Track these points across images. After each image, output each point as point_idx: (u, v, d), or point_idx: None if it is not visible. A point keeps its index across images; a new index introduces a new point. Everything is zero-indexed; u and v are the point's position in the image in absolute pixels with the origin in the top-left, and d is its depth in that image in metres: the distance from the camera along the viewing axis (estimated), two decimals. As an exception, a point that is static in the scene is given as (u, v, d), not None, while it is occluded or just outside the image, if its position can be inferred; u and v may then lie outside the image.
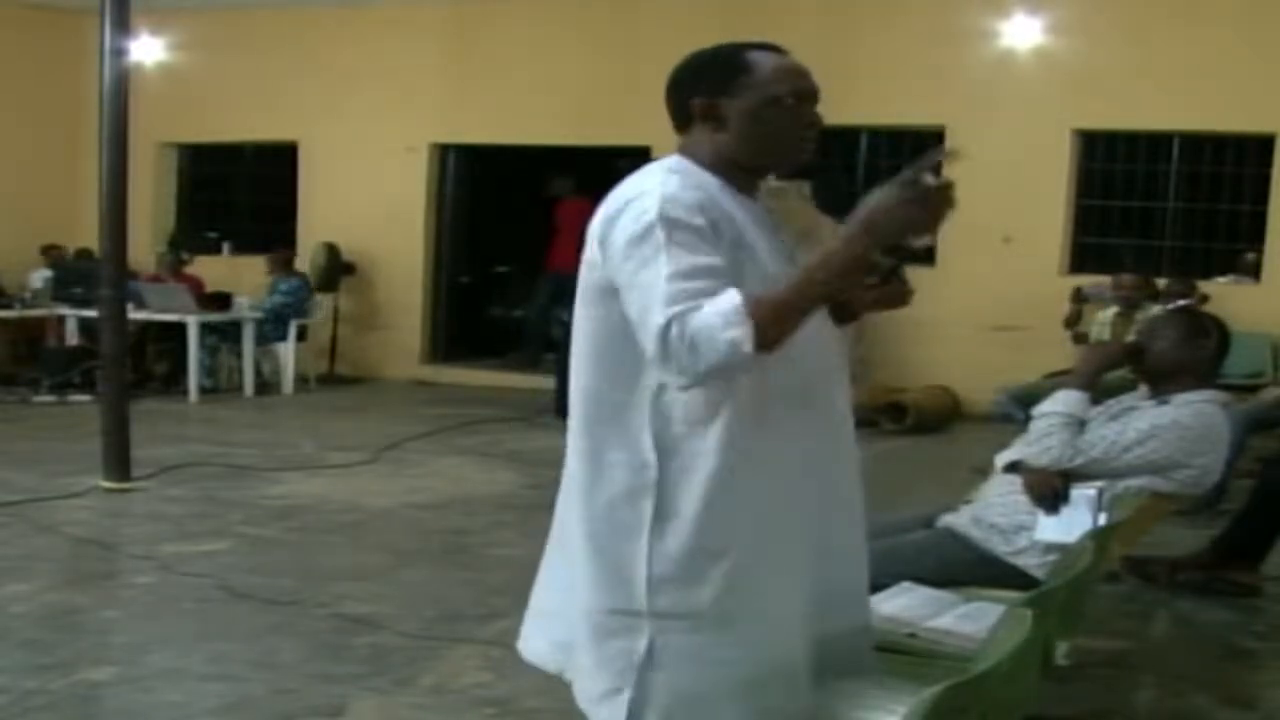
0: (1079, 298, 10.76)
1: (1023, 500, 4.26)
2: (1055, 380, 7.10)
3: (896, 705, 2.67)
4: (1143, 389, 4.73)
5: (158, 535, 6.86)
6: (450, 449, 9.85)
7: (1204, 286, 10.84)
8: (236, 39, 14.69)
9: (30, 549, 6.48)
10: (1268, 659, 5.38)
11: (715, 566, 2.49)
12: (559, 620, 2.74)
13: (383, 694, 4.58)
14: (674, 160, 2.62)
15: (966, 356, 11.93)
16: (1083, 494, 4.20)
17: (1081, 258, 12.21)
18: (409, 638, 5.17)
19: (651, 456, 2.49)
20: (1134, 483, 4.31)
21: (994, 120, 12.06)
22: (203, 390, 12.15)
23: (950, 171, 2.55)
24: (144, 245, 13.96)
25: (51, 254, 14.15)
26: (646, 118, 12.19)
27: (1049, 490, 4.23)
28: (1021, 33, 11.99)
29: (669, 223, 2.41)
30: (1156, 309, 8.66)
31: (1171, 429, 4.33)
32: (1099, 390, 4.65)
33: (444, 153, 14.75)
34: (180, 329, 12.01)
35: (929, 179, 2.43)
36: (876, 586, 3.58)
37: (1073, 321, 10.53)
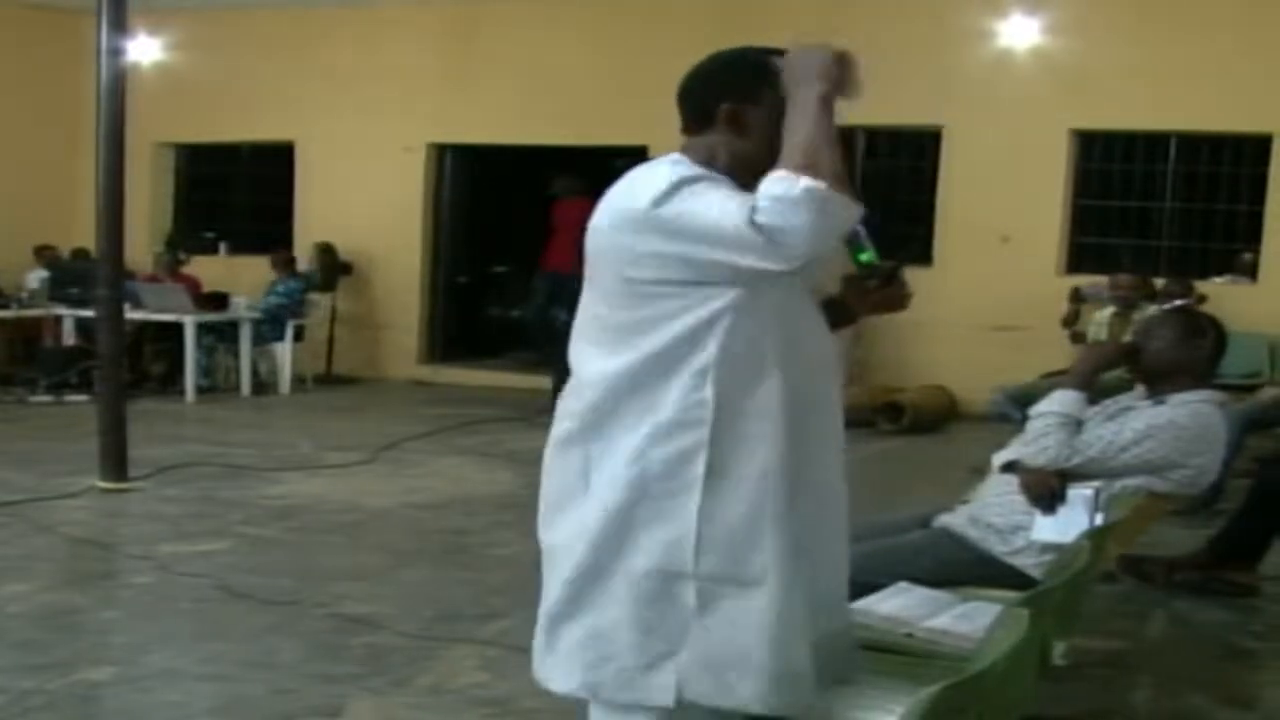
0: (1077, 297, 10.77)
1: (1019, 500, 4.26)
2: (1052, 380, 7.11)
3: (894, 705, 2.68)
4: (1139, 389, 4.73)
5: (155, 535, 6.86)
6: (449, 449, 9.85)
7: (1201, 286, 10.86)
8: (233, 39, 14.69)
9: (28, 549, 6.48)
10: (1265, 659, 5.38)
11: (761, 533, 2.49)
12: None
13: (381, 694, 4.58)
14: (675, 156, 2.61)
15: (963, 356, 11.94)
16: (1079, 494, 4.20)
17: (1079, 258, 12.23)
18: (407, 638, 5.18)
19: (706, 413, 2.47)
20: (1131, 482, 4.31)
21: (991, 120, 12.08)
22: (200, 390, 12.15)
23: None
24: (141, 245, 13.95)
25: (45, 254, 14.13)
26: (643, 118, 12.29)
27: (1046, 490, 4.23)
28: (1019, 33, 12.01)
29: (689, 179, 2.44)
30: (1153, 309, 8.67)
31: (1168, 429, 4.34)
32: (1096, 390, 4.66)
33: (441, 153, 14.75)
34: (177, 329, 12.01)
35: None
36: (873, 586, 3.60)
37: (1070, 321, 10.54)
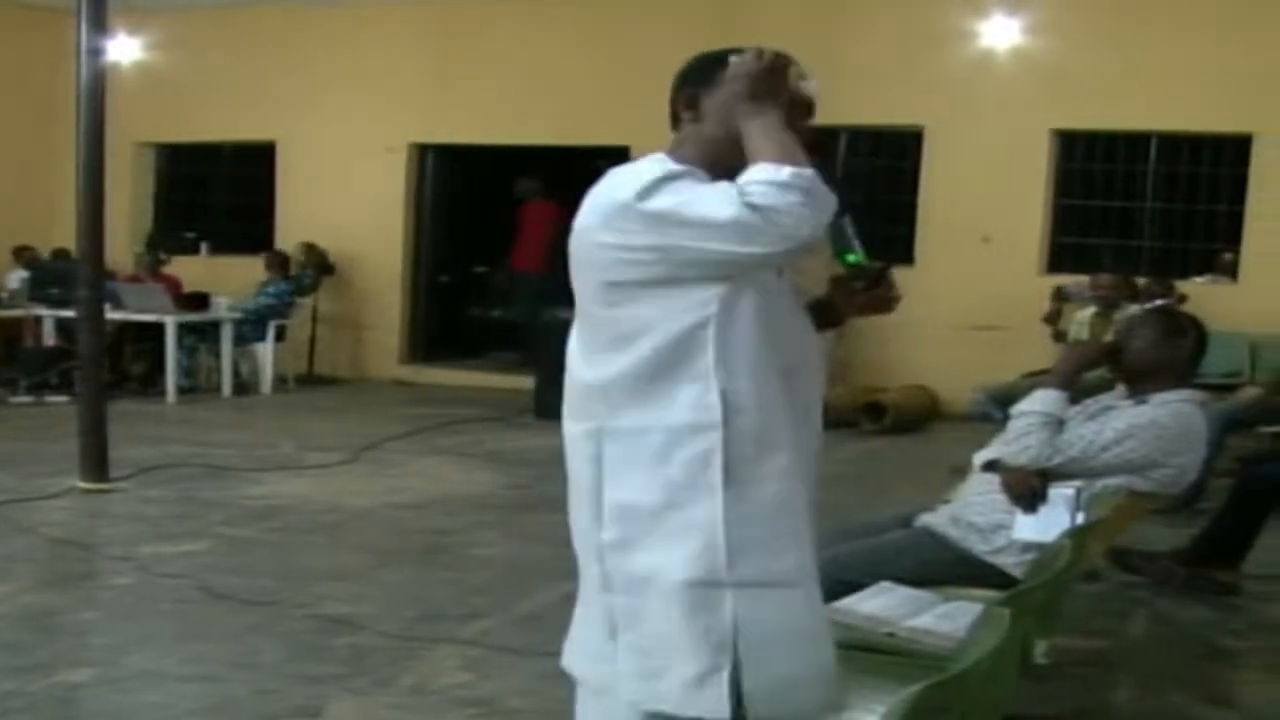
0: (1060, 296, 10.81)
1: (1001, 499, 4.27)
2: (1034, 380, 7.12)
3: (876, 704, 2.68)
4: (1121, 388, 4.74)
5: (136, 536, 6.84)
6: (430, 449, 9.84)
7: (1182, 286, 10.90)
8: (214, 38, 14.66)
9: (8, 550, 6.45)
10: (1247, 657, 5.40)
11: (788, 532, 2.49)
12: (596, 626, 2.67)
13: (363, 694, 4.57)
14: (657, 155, 2.61)
15: (945, 356, 11.97)
16: (1061, 493, 4.21)
17: (1060, 258, 12.26)
18: (389, 638, 5.17)
19: (715, 415, 2.44)
20: (1112, 482, 4.32)
21: (973, 120, 12.11)
22: (181, 391, 12.12)
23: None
24: (122, 245, 13.91)
25: (25, 255, 14.09)
26: (626, 118, 12.28)
27: (1027, 489, 4.24)
28: (1000, 33, 12.03)
29: (673, 174, 2.43)
30: (1134, 309, 8.69)
31: (1149, 428, 4.35)
32: (1077, 389, 4.67)
33: (423, 153, 14.75)
34: (158, 329, 11.98)
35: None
36: (856, 586, 3.60)
37: (1053, 319, 10.57)
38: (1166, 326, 4.71)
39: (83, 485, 7.81)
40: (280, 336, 13.24)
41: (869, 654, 3.15)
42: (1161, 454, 4.35)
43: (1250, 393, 8.77)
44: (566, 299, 2.64)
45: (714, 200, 2.34)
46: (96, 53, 7.96)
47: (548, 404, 10.48)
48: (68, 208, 8.63)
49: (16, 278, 13.48)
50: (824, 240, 2.62)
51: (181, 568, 6.14)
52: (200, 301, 12.70)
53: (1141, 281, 10.62)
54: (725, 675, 2.43)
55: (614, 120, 12.42)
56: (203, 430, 10.38)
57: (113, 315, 10.55)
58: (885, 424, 11.13)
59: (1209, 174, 11.99)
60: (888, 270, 2.76)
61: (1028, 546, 4.09)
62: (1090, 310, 9.84)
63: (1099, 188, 12.34)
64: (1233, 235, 11.76)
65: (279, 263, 13.42)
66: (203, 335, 12.76)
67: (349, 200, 14.35)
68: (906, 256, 12.29)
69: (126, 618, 5.46)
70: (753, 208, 2.30)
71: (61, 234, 12.72)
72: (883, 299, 2.79)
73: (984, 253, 12.15)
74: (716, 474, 2.45)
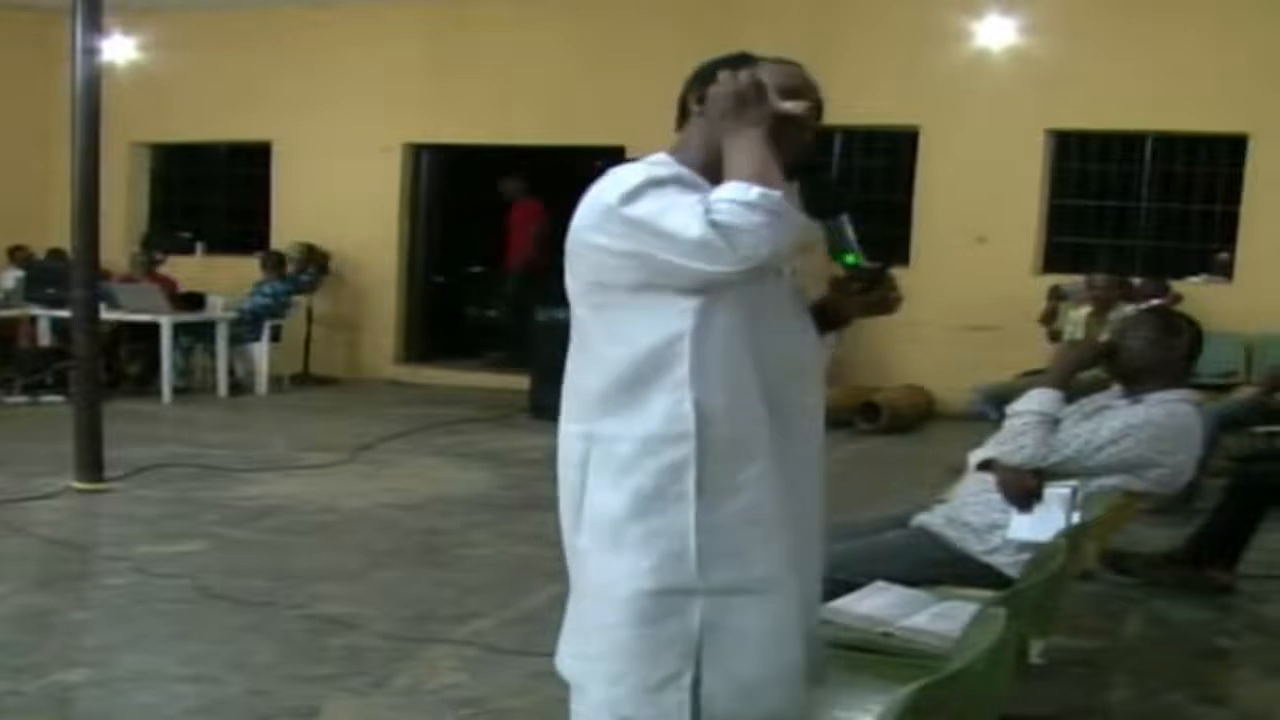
0: (1057, 295, 10.81)
1: (996, 499, 4.27)
2: (1029, 379, 7.14)
3: (871, 704, 2.68)
4: (1116, 388, 4.74)
5: (131, 536, 6.83)
6: (425, 449, 9.83)
7: (1177, 286, 10.90)
8: (209, 38, 14.65)
9: (2, 550, 6.45)
10: (1242, 657, 5.41)
11: (763, 537, 2.50)
12: (577, 627, 2.71)
13: (358, 695, 4.57)
14: (658, 156, 2.62)
15: (941, 356, 11.98)
16: (1056, 493, 4.21)
17: (1055, 257, 12.26)
18: (384, 638, 5.16)
19: (689, 426, 2.47)
20: (1107, 481, 4.33)
21: (968, 120, 12.12)
22: (176, 391, 12.11)
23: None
24: (117, 245, 13.91)
25: (19, 255, 14.08)
26: (621, 118, 12.26)
27: (1022, 489, 4.24)
28: (995, 33, 12.04)
29: (657, 180, 2.44)
30: (1129, 309, 8.70)
31: (1145, 428, 4.35)
32: (1073, 389, 4.67)
33: (419, 153, 14.75)
34: (154, 329, 11.96)
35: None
36: (851, 586, 3.60)
37: (1049, 319, 10.57)
38: (1162, 326, 4.72)
39: (78, 485, 7.80)
40: (276, 337, 13.22)
41: (864, 653, 3.15)
42: (1157, 454, 4.35)
43: (1245, 392, 8.78)
44: (555, 298, 2.64)
45: (684, 215, 2.35)
46: (91, 53, 7.95)
47: (543, 404, 10.49)
48: (63, 207, 8.61)
49: (11, 277, 13.46)
50: (820, 241, 2.63)
51: (177, 568, 6.14)
52: (196, 302, 12.70)
53: (1137, 281, 10.62)
54: (686, 681, 2.48)
55: (610, 120, 12.43)
56: (198, 430, 10.37)
57: (108, 315, 10.55)
58: (881, 424, 11.13)
59: (1205, 174, 12.00)
60: (886, 270, 2.75)
61: (1023, 546, 4.08)
62: (1085, 310, 9.85)
63: (1094, 187, 12.36)
64: (1228, 235, 11.77)
65: (274, 262, 13.41)
66: (198, 335, 12.75)
67: (345, 200, 14.35)
68: (902, 257, 12.29)
69: (121, 618, 5.45)
70: (716, 226, 2.31)
71: (57, 234, 12.70)
72: (884, 299, 2.78)
73: (979, 253, 12.16)
74: (689, 484, 2.48)
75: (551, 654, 2.74)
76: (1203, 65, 11.28)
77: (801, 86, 2.68)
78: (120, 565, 6.19)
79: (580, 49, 13.45)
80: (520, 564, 6.25)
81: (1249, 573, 6.31)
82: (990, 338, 11.75)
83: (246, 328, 12.78)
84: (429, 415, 11.49)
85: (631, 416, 2.51)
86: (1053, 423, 4.39)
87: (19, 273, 13.46)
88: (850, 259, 2.71)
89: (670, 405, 2.48)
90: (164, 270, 13.57)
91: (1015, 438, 4.37)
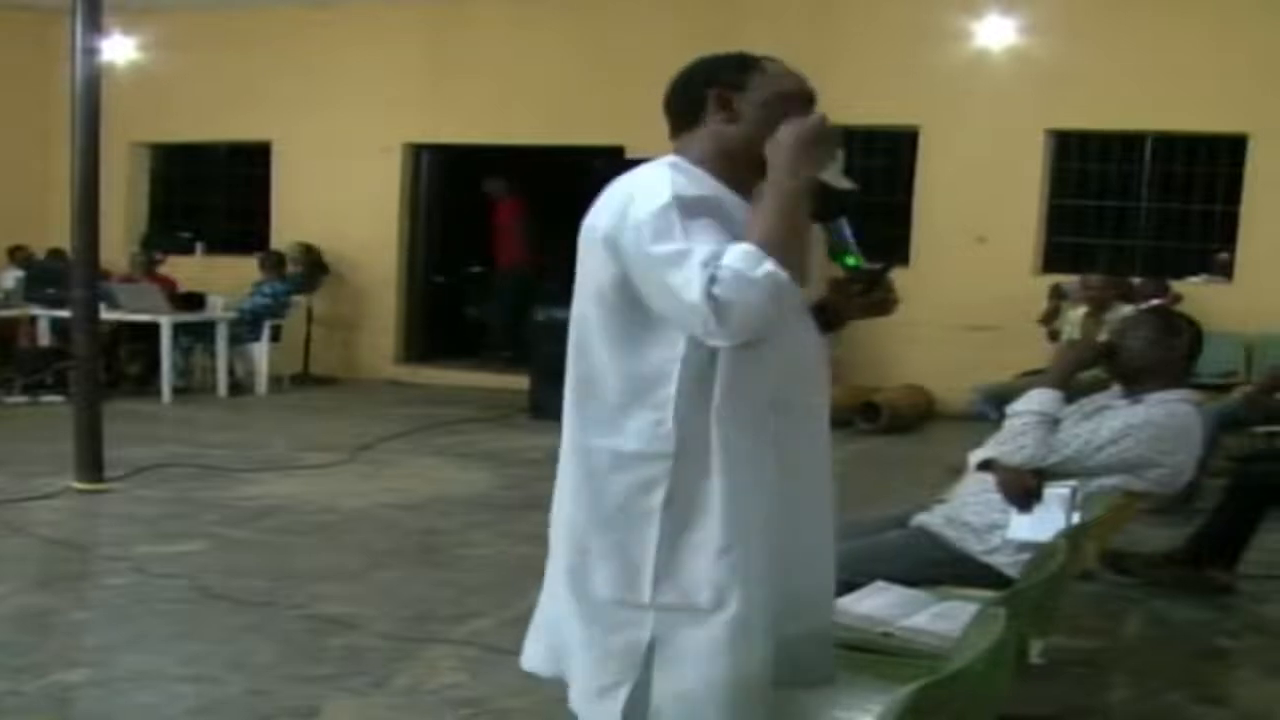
0: (1058, 294, 10.81)
1: (996, 499, 4.27)
2: (1029, 379, 7.14)
3: (871, 705, 2.68)
4: (1116, 388, 4.74)
5: (131, 536, 6.83)
6: (425, 449, 9.83)
7: (1177, 286, 10.91)
8: (209, 38, 14.65)
9: (2, 550, 6.45)
10: (1242, 657, 5.40)
11: (724, 561, 2.49)
12: (552, 623, 2.73)
13: (358, 695, 4.57)
14: (672, 159, 2.61)
15: (941, 356, 11.98)
16: (1056, 493, 4.21)
17: (1055, 257, 12.26)
18: (384, 638, 5.16)
19: (668, 446, 2.48)
20: (1107, 481, 4.33)
21: (968, 120, 12.12)
22: (176, 391, 12.10)
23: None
24: (117, 245, 13.91)
25: (19, 255, 14.08)
26: (621, 117, 12.24)
27: (1022, 489, 4.24)
28: (995, 33, 12.04)
29: (683, 203, 2.43)
30: (1127, 309, 8.69)
31: (1145, 428, 4.35)
32: (1073, 389, 4.67)
33: (419, 152, 14.74)
34: (154, 329, 11.96)
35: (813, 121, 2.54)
36: (851, 586, 3.60)
37: (1049, 318, 10.57)
38: (1162, 326, 4.72)
39: (78, 485, 7.80)
40: (275, 337, 13.22)
41: (864, 653, 3.15)
42: (1157, 453, 4.35)
43: (1245, 392, 8.77)
44: (551, 298, 2.65)
45: (687, 273, 2.35)
46: (91, 53, 7.95)
47: (543, 404, 10.49)
48: (63, 207, 8.61)
49: (11, 277, 13.46)
50: (820, 242, 2.63)
51: (176, 568, 6.14)
52: (195, 301, 12.69)
53: (1136, 281, 10.62)
54: (624, 691, 2.51)
55: (610, 120, 12.42)
56: (198, 430, 10.37)
57: (108, 315, 10.55)
58: (881, 424, 11.13)
59: (1205, 174, 12.00)
60: (886, 272, 2.76)
61: (1023, 546, 4.08)
62: (1082, 310, 9.85)
63: (1094, 187, 12.36)
64: (1228, 235, 11.77)
65: (274, 262, 13.40)
66: (198, 335, 12.75)
67: (344, 200, 14.34)
68: (902, 257, 12.29)
69: (121, 618, 5.45)
70: (713, 298, 2.32)
71: (56, 234, 12.70)
72: (881, 302, 2.79)
73: (979, 253, 12.16)
74: (657, 502, 2.50)
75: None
76: (1203, 65, 11.28)
77: (798, 75, 2.71)
78: (120, 565, 6.19)
79: (580, 49, 13.45)
80: (520, 564, 6.23)
81: (1249, 573, 6.31)
82: (990, 338, 11.75)
83: (246, 328, 12.78)
84: (429, 415, 11.48)
85: (612, 429, 2.54)
86: (1052, 423, 4.39)
87: (19, 273, 13.46)
88: (850, 260, 2.72)
89: (651, 425, 2.50)
90: (164, 270, 13.58)
91: (1015, 438, 4.37)
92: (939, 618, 3.48)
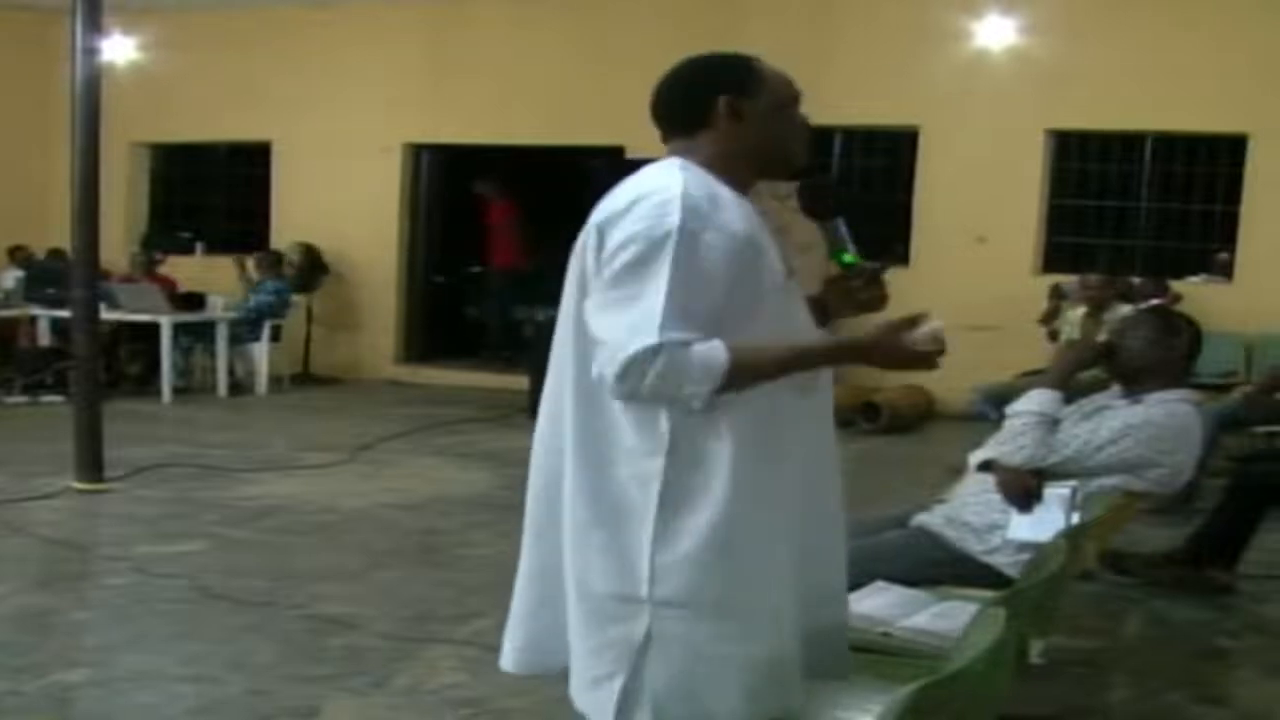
0: (1058, 294, 10.81)
1: (996, 499, 4.27)
2: (1029, 379, 7.14)
3: (871, 704, 2.68)
4: (1116, 388, 4.74)
5: (131, 536, 6.83)
6: (425, 449, 9.84)
7: (1177, 286, 10.91)
8: (209, 38, 14.65)
9: (2, 550, 6.45)
10: (1242, 657, 5.41)
11: (720, 557, 2.49)
12: (539, 621, 2.74)
13: (358, 695, 4.57)
14: (679, 161, 2.61)
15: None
16: (1056, 493, 4.21)
17: (1055, 257, 12.26)
18: (384, 638, 5.16)
19: (664, 443, 2.49)
20: (1107, 481, 4.33)
21: (967, 121, 12.11)
22: (176, 391, 12.10)
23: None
24: (117, 245, 13.91)
25: (19, 255, 14.08)
26: (621, 117, 12.23)
27: (1022, 489, 4.24)
28: (995, 33, 12.03)
29: (687, 237, 2.42)
30: (1126, 309, 8.69)
31: (1144, 428, 4.35)
32: (1072, 389, 4.67)
33: (419, 153, 14.74)
34: (154, 329, 11.96)
35: (937, 336, 2.67)
36: (851, 586, 3.59)
37: (1049, 318, 10.57)
38: (1161, 326, 4.72)
39: (78, 485, 7.81)
40: (275, 337, 13.22)
41: (864, 654, 3.15)
42: (1157, 453, 4.35)
43: (1245, 392, 8.77)
44: (549, 297, 2.65)
45: (660, 313, 2.37)
46: (91, 53, 7.95)
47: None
48: (63, 207, 8.62)
49: (11, 277, 13.46)
50: (819, 240, 2.64)
51: (177, 568, 6.14)
52: (196, 301, 12.69)
53: (1136, 281, 10.62)
54: (619, 683, 2.52)
55: (610, 120, 12.40)
56: (198, 430, 10.37)
57: (108, 315, 10.55)
58: (881, 424, 11.13)
59: (1204, 174, 12.00)
60: (882, 270, 2.77)
61: (1023, 546, 4.08)
62: (1081, 310, 9.85)
63: (1094, 187, 12.36)
64: (1228, 235, 11.77)
65: (271, 261, 13.39)
66: (198, 335, 12.75)
67: (344, 200, 14.34)
68: (902, 257, 12.29)
69: (121, 618, 5.45)
70: (661, 364, 2.35)
71: (56, 234, 12.71)
72: (873, 299, 2.81)
73: (979, 253, 12.15)
74: (652, 498, 2.50)
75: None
76: (1203, 65, 11.28)
77: (792, 82, 2.73)
78: (120, 565, 6.19)
79: (580, 49, 13.45)
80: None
81: (1249, 573, 6.31)
82: (990, 338, 11.72)
83: (246, 328, 12.78)
84: (429, 415, 11.49)
85: (609, 425, 2.55)
86: (1052, 423, 4.40)
87: (19, 273, 13.46)
88: (847, 258, 2.74)
89: (649, 421, 2.50)
90: (164, 270, 13.58)
91: (1015, 438, 4.37)
92: (939, 618, 3.48)
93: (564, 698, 2.68)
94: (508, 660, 2.84)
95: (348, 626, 5.30)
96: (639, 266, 2.41)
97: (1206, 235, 12.06)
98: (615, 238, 2.45)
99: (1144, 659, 5.35)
